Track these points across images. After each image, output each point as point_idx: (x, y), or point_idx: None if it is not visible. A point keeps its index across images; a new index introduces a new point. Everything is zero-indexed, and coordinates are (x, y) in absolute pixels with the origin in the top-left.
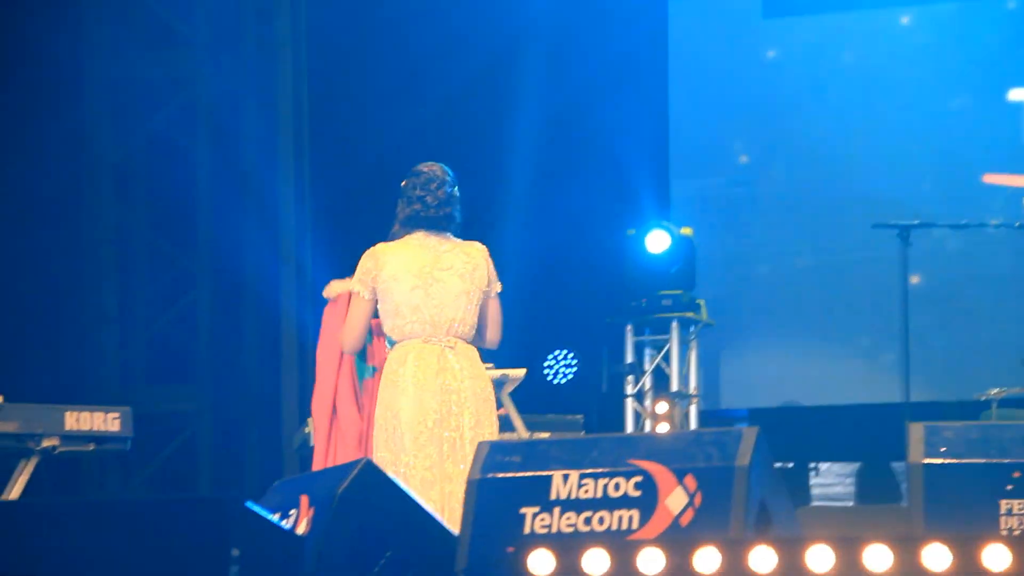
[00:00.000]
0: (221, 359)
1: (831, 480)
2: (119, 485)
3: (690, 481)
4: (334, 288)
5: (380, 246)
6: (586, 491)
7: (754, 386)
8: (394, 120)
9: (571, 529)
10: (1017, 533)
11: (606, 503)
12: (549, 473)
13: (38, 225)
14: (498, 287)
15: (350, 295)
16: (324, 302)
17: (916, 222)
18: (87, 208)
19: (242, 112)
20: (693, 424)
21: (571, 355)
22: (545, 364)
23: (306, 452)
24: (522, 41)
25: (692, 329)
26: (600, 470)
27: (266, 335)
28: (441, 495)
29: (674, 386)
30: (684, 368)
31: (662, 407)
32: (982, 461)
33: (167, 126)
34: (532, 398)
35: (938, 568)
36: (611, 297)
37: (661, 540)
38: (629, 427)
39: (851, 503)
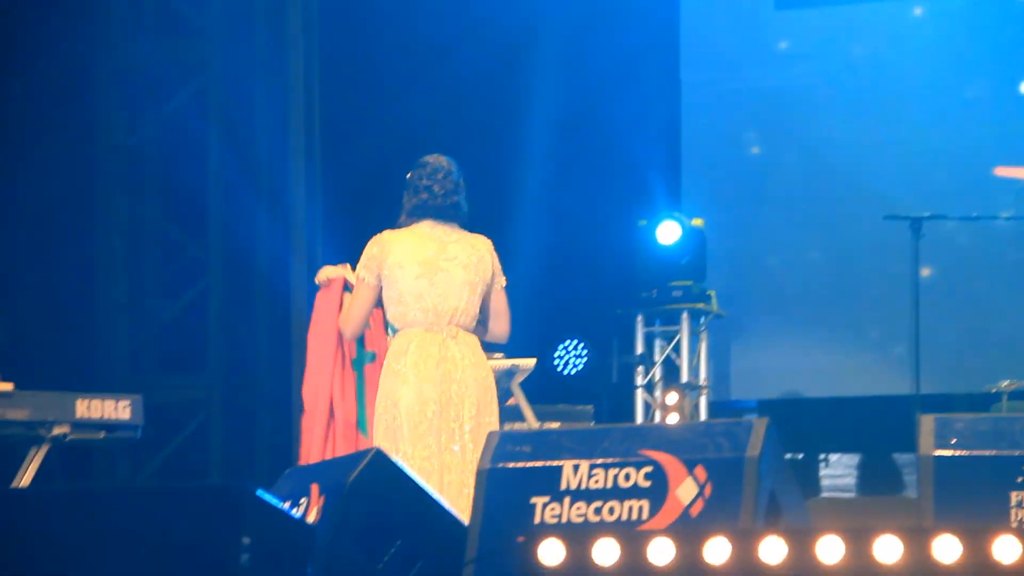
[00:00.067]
0: (232, 348)
1: (841, 471)
2: (129, 473)
3: (700, 472)
4: (326, 273)
5: (386, 233)
6: (596, 481)
7: (764, 377)
8: (406, 110)
9: (581, 519)
10: None
11: (616, 493)
12: (559, 463)
13: (50, 213)
14: (503, 281)
15: (344, 281)
16: None
17: (927, 214)
18: (98, 196)
19: (254, 100)
20: (703, 415)
21: (581, 345)
22: (555, 354)
23: None
24: (535, 32)
25: (702, 320)
26: (610, 460)
27: (277, 323)
28: (440, 485)
29: (684, 377)
30: (694, 359)
31: (672, 398)
32: (992, 453)
33: (178, 114)
34: (542, 388)
35: (948, 560)
36: (622, 288)
37: (671, 531)
38: (639, 418)
39: (853, 495)
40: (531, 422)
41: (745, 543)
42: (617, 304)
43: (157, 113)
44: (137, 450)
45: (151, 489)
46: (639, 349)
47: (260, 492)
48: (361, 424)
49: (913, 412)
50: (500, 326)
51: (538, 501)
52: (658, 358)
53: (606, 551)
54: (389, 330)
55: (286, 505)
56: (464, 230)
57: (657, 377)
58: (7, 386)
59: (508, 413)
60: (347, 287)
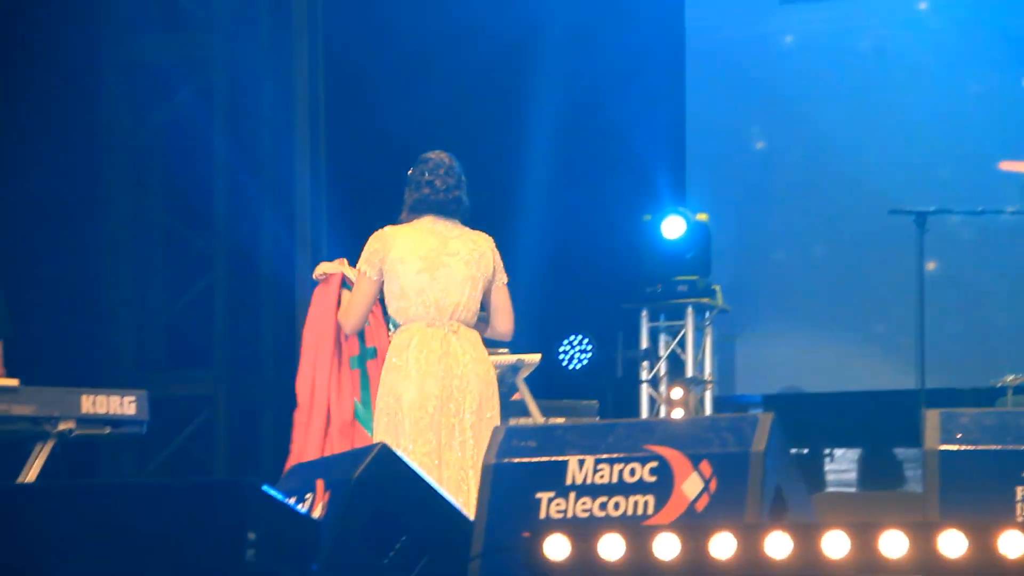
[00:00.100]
0: (237, 343)
1: (845, 466)
2: (135, 468)
3: (705, 467)
4: (323, 268)
5: (388, 228)
6: (601, 476)
7: (769, 372)
8: (411, 105)
9: (586, 514)
10: None
11: (621, 488)
12: (565, 458)
13: (55, 208)
14: (504, 278)
15: (342, 277)
16: None
17: (932, 208)
18: (103, 192)
19: (258, 96)
20: (708, 410)
21: (586, 340)
22: (560, 349)
23: None
24: (540, 27)
25: (707, 315)
26: (615, 455)
27: (282, 319)
28: (440, 481)
29: (689, 372)
30: (699, 354)
31: (677, 393)
32: (998, 448)
33: (183, 109)
34: (547, 383)
35: (954, 554)
36: (627, 283)
37: (676, 525)
38: (644, 413)
39: (853, 489)
40: (536, 417)
41: (750, 538)
42: (622, 299)
43: (162, 109)
44: (142, 445)
45: (157, 484)
46: (644, 344)
47: (265, 487)
48: (367, 420)
49: (918, 407)
50: (503, 323)
51: (543, 496)
52: (663, 353)
53: (611, 546)
54: (390, 325)
55: (292, 500)
56: (466, 226)
57: (662, 372)
58: (12, 382)
59: (513, 408)
60: (345, 283)
